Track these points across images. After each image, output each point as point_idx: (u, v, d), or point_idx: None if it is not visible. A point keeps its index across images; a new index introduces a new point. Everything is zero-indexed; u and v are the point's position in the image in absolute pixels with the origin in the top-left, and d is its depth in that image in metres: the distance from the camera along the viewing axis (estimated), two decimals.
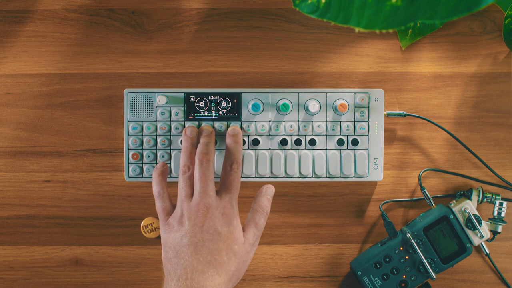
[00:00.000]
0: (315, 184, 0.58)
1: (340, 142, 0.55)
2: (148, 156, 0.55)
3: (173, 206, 0.50)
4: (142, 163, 0.56)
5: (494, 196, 0.55)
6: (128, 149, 0.56)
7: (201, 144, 0.50)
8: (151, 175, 0.55)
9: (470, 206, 0.54)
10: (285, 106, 0.55)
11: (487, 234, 0.55)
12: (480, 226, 0.54)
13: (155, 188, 0.50)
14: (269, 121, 0.56)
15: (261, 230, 0.50)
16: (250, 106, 0.55)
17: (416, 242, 0.54)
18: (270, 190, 0.52)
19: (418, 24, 0.56)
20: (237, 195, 0.49)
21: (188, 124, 0.55)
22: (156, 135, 0.56)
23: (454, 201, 0.56)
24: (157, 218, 0.57)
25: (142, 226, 0.57)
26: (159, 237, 0.57)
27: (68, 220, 0.58)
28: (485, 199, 0.56)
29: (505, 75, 0.58)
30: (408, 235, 0.54)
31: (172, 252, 0.46)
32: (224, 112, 0.55)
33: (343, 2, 0.38)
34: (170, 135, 0.56)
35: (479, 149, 0.58)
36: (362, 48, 0.58)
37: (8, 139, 0.58)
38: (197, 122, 0.55)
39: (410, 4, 0.34)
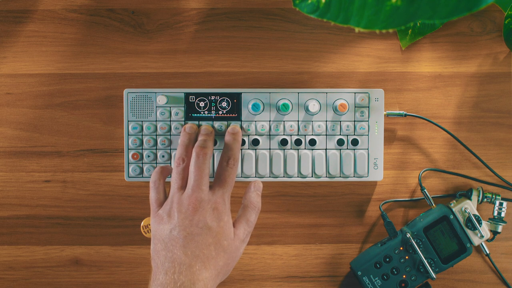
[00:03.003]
0: (315, 184, 0.58)
1: (340, 142, 0.55)
2: (148, 156, 0.55)
3: (166, 198, 0.49)
4: (142, 163, 0.56)
5: (494, 196, 0.55)
6: (128, 149, 0.56)
7: (199, 140, 0.50)
8: (151, 175, 0.55)
9: (470, 206, 0.54)
10: (285, 106, 0.55)
11: (487, 234, 0.55)
12: (480, 226, 0.54)
13: (152, 178, 0.50)
14: (269, 121, 0.56)
15: (252, 226, 0.49)
16: (250, 106, 0.55)
17: (416, 242, 0.54)
18: (258, 185, 0.51)
19: (418, 24, 0.56)
20: (231, 191, 0.49)
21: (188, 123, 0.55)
22: (156, 135, 0.56)
23: (454, 201, 0.56)
24: None
25: (142, 226, 0.57)
26: None
27: (68, 220, 0.58)
28: (485, 199, 0.56)
29: (505, 75, 0.58)
30: (408, 235, 0.54)
31: (161, 244, 0.46)
32: (224, 112, 0.55)
33: (343, 2, 0.38)
34: (170, 135, 0.56)
35: (479, 149, 0.58)
36: (362, 48, 0.58)
37: (8, 139, 0.58)
38: (197, 122, 0.55)
39: (410, 4, 0.34)
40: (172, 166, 0.51)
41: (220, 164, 0.50)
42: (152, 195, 0.49)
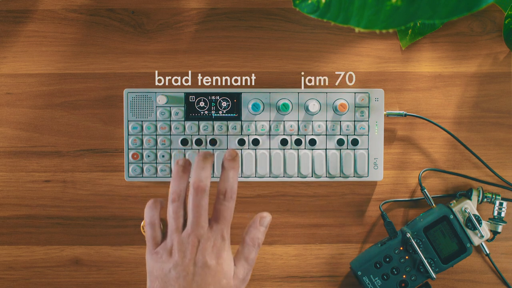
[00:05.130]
0: (315, 184, 0.58)
1: (340, 142, 0.55)
2: (148, 156, 0.55)
3: (163, 235, 0.47)
4: (142, 163, 0.56)
5: (494, 196, 0.55)
6: (128, 149, 0.56)
7: (195, 172, 0.46)
8: (151, 175, 0.55)
9: (470, 206, 0.54)
10: (285, 106, 0.55)
11: (487, 234, 0.55)
12: (480, 226, 0.54)
13: (148, 214, 0.47)
14: (269, 121, 0.56)
15: (252, 264, 0.47)
16: (250, 106, 0.55)
17: (416, 242, 0.54)
18: (265, 221, 0.48)
19: (418, 24, 0.56)
20: (229, 225, 0.46)
21: (188, 123, 0.55)
22: (156, 135, 0.56)
23: (454, 201, 0.56)
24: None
25: (142, 226, 0.57)
26: None
27: (68, 220, 0.58)
28: (485, 199, 0.56)
29: (505, 75, 0.58)
30: (408, 235, 0.54)
31: (159, 283, 0.45)
32: (224, 112, 0.55)
33: (343, 2, 0.38)
34: (170, 135, 0.56)
35: (479, 149, 0.58)
36: (362, 48, 0.58)
37: (8, 139, 0.58)
38: (197, 122, 0.55)
39: (410, 4, 0.34)
40: (168, 201, 0.49)
41: (217, 197, 0.47)
42: (149, 233, 0.47)
